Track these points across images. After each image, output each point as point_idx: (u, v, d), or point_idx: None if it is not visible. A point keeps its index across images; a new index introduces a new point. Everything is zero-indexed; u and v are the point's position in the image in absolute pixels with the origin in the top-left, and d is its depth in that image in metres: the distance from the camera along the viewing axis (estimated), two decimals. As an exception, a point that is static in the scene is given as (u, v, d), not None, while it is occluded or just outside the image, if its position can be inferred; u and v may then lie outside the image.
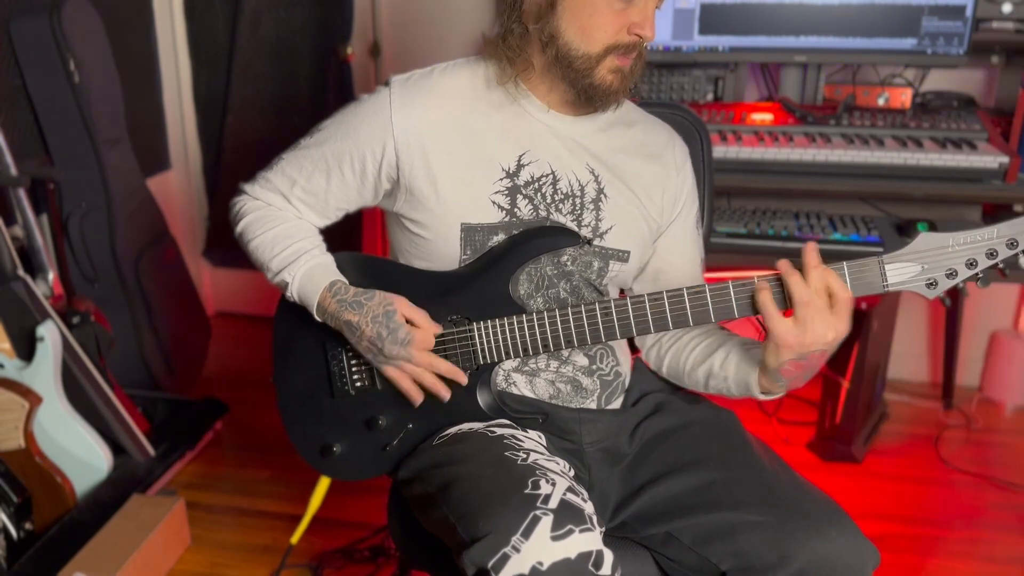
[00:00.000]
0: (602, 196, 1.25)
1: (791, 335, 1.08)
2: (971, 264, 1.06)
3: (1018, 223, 1.05)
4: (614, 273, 1.28)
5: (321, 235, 1.33)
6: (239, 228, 1.33)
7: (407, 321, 1.20)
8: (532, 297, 1.26)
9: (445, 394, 1.22)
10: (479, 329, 1.21)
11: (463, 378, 1.22)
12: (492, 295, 1.22)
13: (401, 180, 1.24)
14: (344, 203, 1.31)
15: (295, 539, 1.97)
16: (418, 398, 1.23)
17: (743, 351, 1.23)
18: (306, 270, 1.25)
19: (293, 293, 1.26)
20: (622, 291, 1.37)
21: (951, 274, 1.07)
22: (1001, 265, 1.06)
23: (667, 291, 1.15)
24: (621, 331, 1.17)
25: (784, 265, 1.08)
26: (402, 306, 1.21)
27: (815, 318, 1.06)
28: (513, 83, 1.22)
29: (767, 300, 1.09)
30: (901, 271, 1.08)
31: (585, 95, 1.19)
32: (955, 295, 2.54)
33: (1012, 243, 1.05)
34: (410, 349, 1.19)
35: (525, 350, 1.20)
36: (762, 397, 1.22)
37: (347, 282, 1.25)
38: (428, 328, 1.21)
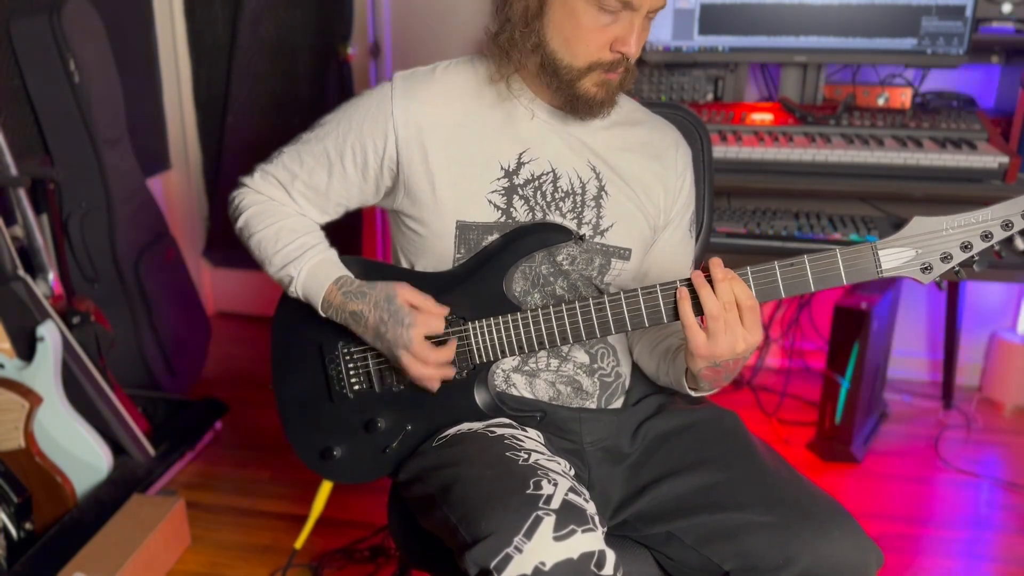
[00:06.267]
0: (603, 194, 1.26)
1: (703, 346, 1.09)
2: (966, 247, 1.05)
3: (1012, 204, 1.04)
4: (617, 272, 1.28)
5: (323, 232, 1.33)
6: (239, 223, 1.32)
7: (411, 307, 1.19)
8: (528, 295, 1.26)
9: (433, 386, 1.21)
10: (474, 328, 1.21)
11: (449, 372, 1.21)
12: (487, 294, 1.22)
13: (400, 175, 1.24)
14: (345, 199, 1.31)
15: (299, 544, 1.97)
16: (434, 386, 1.21)
17: (675, 355, 1.25)
18: (311, 265, 1.25)
19: (297, 289, 1.26)
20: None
21: (946, 257, 1.06)
22: (997, 247, 1.05)
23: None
24: (616, 327, 1.16)
25: (697, 277, 1.09)
26: (403, 291, 1.20)
27: (723, 331, 1.08)
28: (509, 82, 1.22)
29: (686, 310, 1.10)
30: (895, 256, 1.07)
31: (570, 104, 1.19)
32: (953, 286, 2.55)
33: (1007, 224, 1.04)
34: (411, 332, 1.17)
35: (520, 348, 1.20)
36: (694, 394, 1.25)
37: (352, 276, 1.25)
38: (434, 310, 1.20)
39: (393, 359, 1.21)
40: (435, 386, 1.21)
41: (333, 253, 1.29)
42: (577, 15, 1.12)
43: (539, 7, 1.15)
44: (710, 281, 1.08)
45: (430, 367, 1.19)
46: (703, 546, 1.14)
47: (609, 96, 1.19)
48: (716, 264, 1.08)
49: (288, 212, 1.31)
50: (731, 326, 1.07)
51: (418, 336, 1.17)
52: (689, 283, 1.10)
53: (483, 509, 1.02)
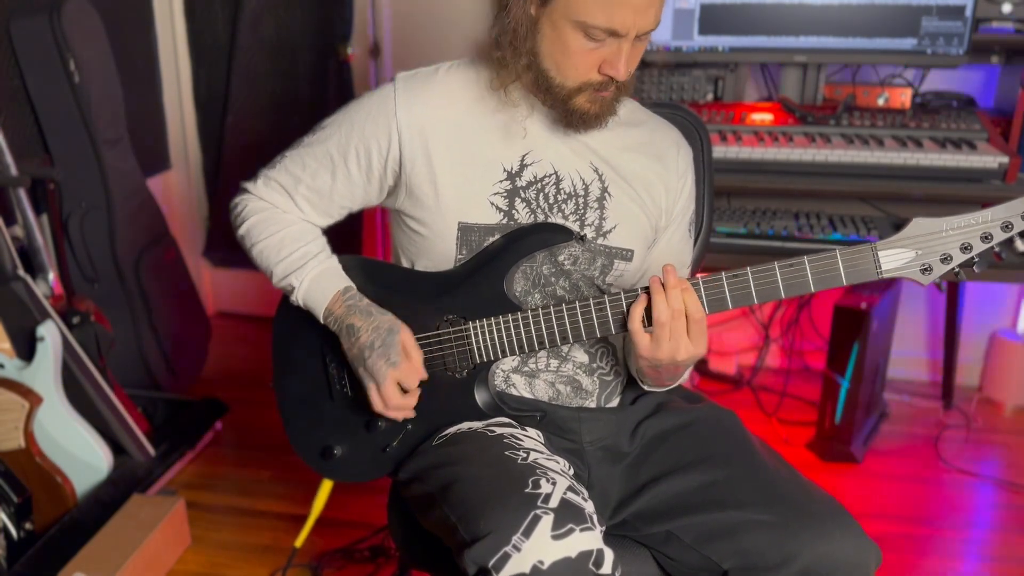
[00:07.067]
0: (606, 195, 1.26)
1: (646, 348, 1.12)
2: (965, 248, 1.05)
3: (1012, 205, 1.04)
4: (619, 272, 1.28)
5: (325, 236, 1.33)
6: (241, 231, 1.33)
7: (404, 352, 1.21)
8: (529, 295, 1.26)
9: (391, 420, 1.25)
10: (475, 328, 1.22)
11: (403, 415, 1.24)
12: (487, 294, 1.22)
13: (403, 175, 1.24)
14: (349, 201, 1.31)
15: (299, 542, 1.97)
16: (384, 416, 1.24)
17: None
18: (314, 275, 1.26)
19: (298, 298, 1.27)
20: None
21: (945, 259, 1.06)
22: (997, 249, 1.05)
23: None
24: (615, 327, 1.16)
25: (655, 282, 1.10)
26: (406, 334, 1.21)
27: (667, 338, 1.10)
28: (508, 90, 1.22)
29: (635, 313, 1.11)
30: (895, 257, 1.07)
31: (566, 119, 1.19)
32: (953, 287, 2.55)
33: (1007, 226, 1.04)
34: (389, 372, 1.19)
35: (520, 347, 1.20)
36: (646, 388, 1.28)
37: (356, 290, 1.26)
38: (418, 366, 1.21)
39: (361, 381, 1.24)
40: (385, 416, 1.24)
41: (335, 261, 1.29)
42: (565, 39, 1.12)
43: (529, 28, 1.15)
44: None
45: (389, 410, 1.22)
46: (702, 545, 1.14)
47: (604, 110, 1.19)
48: (670, 271, 1.10)
49: (290, 220, 1.31)
50: (676, 334, 1.09)
51: (393, 378, 1.20)
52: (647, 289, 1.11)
53: (482, 508, 1.02)
